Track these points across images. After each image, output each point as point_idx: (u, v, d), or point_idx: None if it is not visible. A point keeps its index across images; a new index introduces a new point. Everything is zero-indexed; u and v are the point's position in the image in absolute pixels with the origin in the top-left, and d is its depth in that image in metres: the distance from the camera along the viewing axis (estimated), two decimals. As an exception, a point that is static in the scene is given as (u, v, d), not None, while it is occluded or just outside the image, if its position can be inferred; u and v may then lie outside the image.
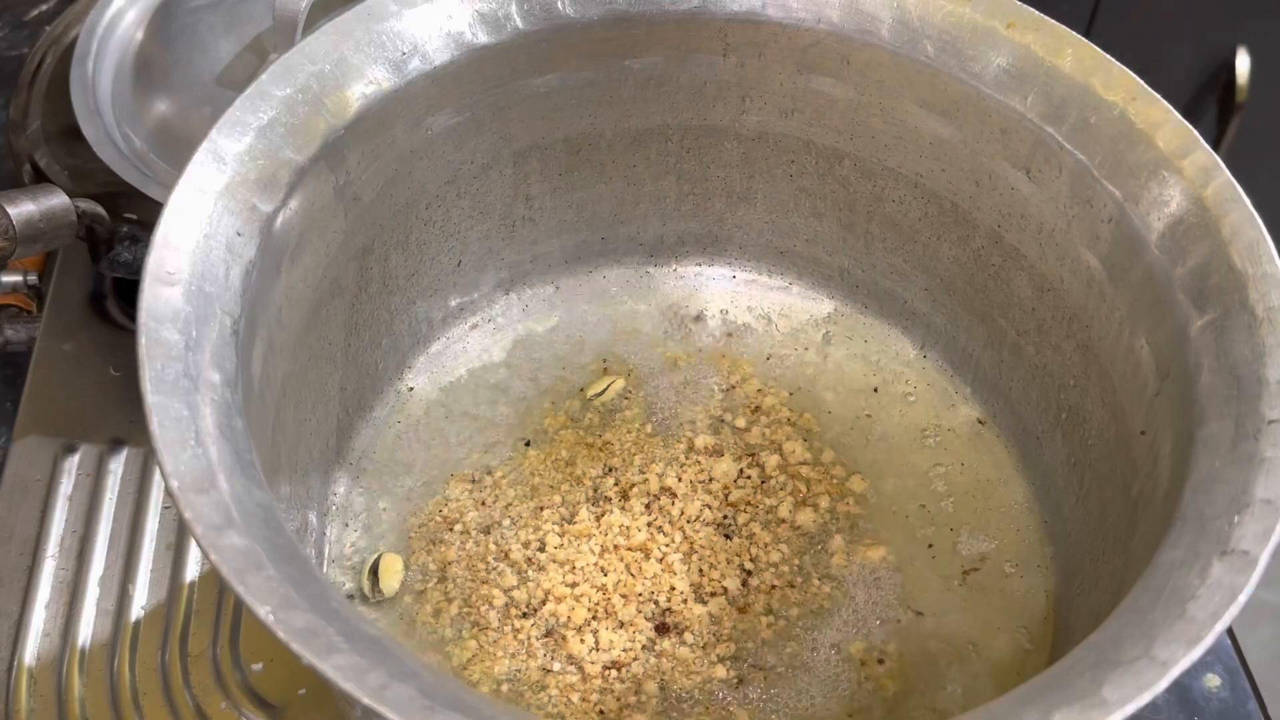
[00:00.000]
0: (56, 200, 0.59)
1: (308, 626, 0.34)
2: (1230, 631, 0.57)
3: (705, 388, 0.61)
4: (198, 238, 0.43)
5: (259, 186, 0.45)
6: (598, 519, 0.55)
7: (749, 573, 0.54)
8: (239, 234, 0.44)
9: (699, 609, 0.53)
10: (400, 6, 0.50)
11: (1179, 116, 0.49)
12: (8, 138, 0.67)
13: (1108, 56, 0.50)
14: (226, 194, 0.44)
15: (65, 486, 0.60)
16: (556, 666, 0.51)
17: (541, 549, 0.54)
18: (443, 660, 0.51)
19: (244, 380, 0.42)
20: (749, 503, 0.56)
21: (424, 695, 0.34)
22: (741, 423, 0.59)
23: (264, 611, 0.34)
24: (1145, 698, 0.35)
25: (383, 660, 0.34)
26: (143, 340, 0.39)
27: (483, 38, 0.52)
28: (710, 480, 0.57)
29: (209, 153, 0.44)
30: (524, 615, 0.52)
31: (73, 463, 0.60)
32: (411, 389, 0.60)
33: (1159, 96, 0.49)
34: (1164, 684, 0.35)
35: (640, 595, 0.53)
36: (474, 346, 0.62)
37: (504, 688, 0.51)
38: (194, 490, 0.36)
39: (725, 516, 0.56)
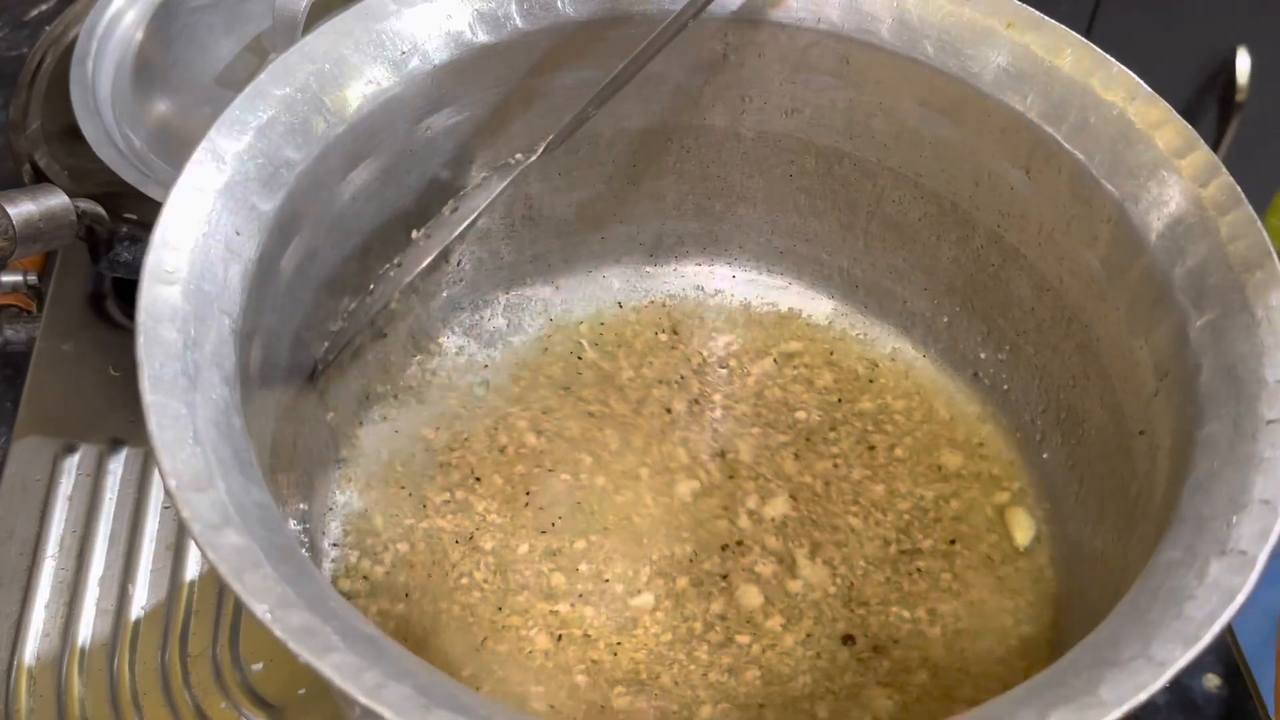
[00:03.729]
0: (56, 200, 0.59)
1: (305, 625, 0.34)
2: (1230, 631, 0.57)
3: (706, 388, 0.61)
4: (197, 237, 0.43)
5: (258, 186, 0.45)
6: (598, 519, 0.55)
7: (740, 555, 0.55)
8: (238, 233, 0.44)
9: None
10: (400, 5, 0.50)
11: (1179, 117, 0.49)
12: (8, 138, 0.67)
13: (1107, 56, 0.50)
14: (225, 193, 0.44)
15: (65, 486, 0.60)
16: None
17: (545, 549, 0.54)
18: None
19: (242, 379, 0.42)
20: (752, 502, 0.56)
21: (420, 694, 0.34)
22: (742, 422, 0.59)
23: (261, 610, 0.34)
24: (1141, 697, 0.35)
25: (379, 659, 0.34)
26: (141, 339, 0.39)
27: (482, 37, 0.52)
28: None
29: (208, 152, 0.44)
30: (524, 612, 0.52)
31: (73, 463, 0.61)
32: (411, 388, 0.60)
33: (1159, 96, 0.49)
34: (1160, 684, 0.35)
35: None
36: (474, 346, 0.62)
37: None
38: (192, 489, 0.36)
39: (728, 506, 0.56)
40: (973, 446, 0.59)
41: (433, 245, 0.55)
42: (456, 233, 0.55)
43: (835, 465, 0.58)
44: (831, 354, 0.62)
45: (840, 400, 0.60)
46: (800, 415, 0.60)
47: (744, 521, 0.56)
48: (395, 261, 0.55)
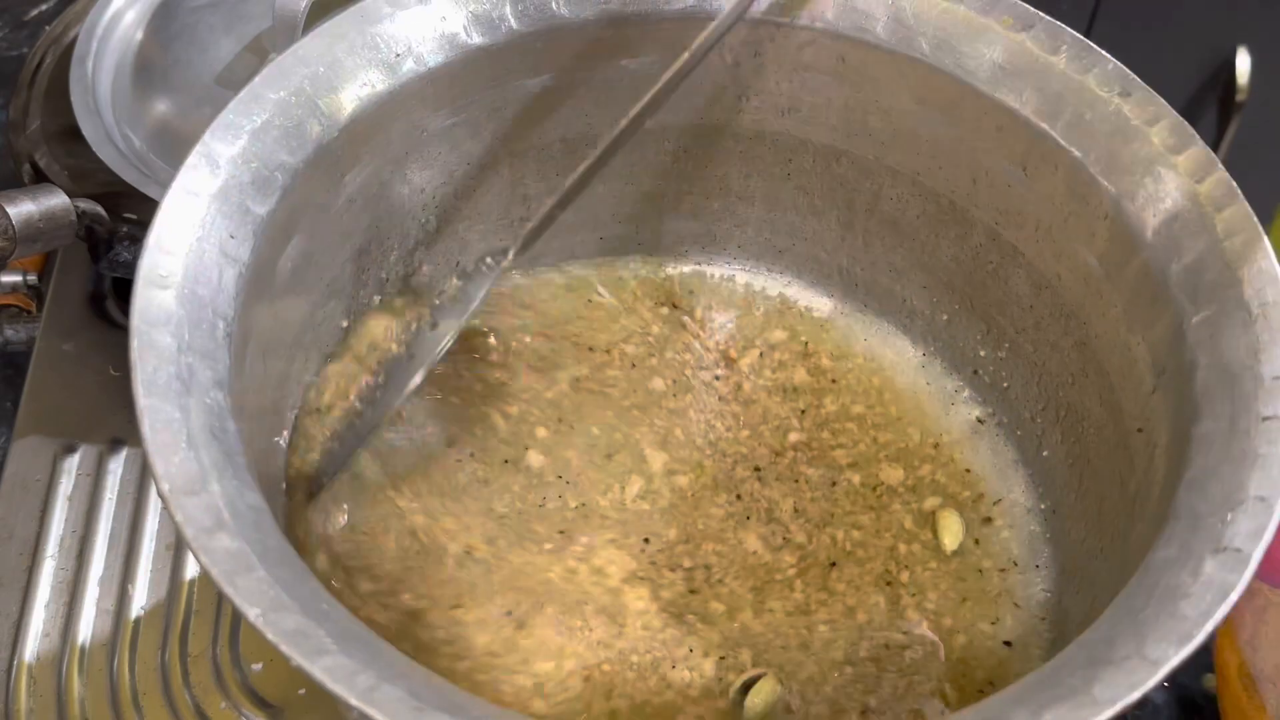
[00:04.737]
0: (56, 200, 0.59)
1: (297, 628, 0.35)
2: (1229, 629, 0.57)
3: (707, 387, 0.61)
4: (191, 241, 0.43)
5: (252, 189, 0.45)
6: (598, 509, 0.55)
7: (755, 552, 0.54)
8: (232, 237, 0.44)
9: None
10: (394, 8, 0.50)
11: (1174, 112, 0.49)
12: (8, 138, 0.67)
13: (1103, 52, 0.50)
14: (220, 197, 0.44)
15: (65, 486, 0.60)
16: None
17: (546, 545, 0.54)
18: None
19: (237, 383, 0.42)
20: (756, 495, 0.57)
21: (413, 696, 0.34)
22: (744, 426, 0.59)
23: (254, 613, 0.34)
24: (1134, 696, 0.35)
25: (372, 661, 0.34)
26: (135, 343, 0.39)
27: (477, 39, 0.52)
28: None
29: (202, 156, 0.44)
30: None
31: (72, 463, 0.61)
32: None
33: (1154, 92, 0.49)
34: (1154, 682, 0.35)
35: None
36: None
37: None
38: (185, 493, 0.37)
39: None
40: (927, 451, 0.59)
41: (414, 365, 0.53)
42: (437, 352, 0.53)
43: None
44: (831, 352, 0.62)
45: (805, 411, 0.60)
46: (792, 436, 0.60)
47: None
48: (378, 380, 0.54)
